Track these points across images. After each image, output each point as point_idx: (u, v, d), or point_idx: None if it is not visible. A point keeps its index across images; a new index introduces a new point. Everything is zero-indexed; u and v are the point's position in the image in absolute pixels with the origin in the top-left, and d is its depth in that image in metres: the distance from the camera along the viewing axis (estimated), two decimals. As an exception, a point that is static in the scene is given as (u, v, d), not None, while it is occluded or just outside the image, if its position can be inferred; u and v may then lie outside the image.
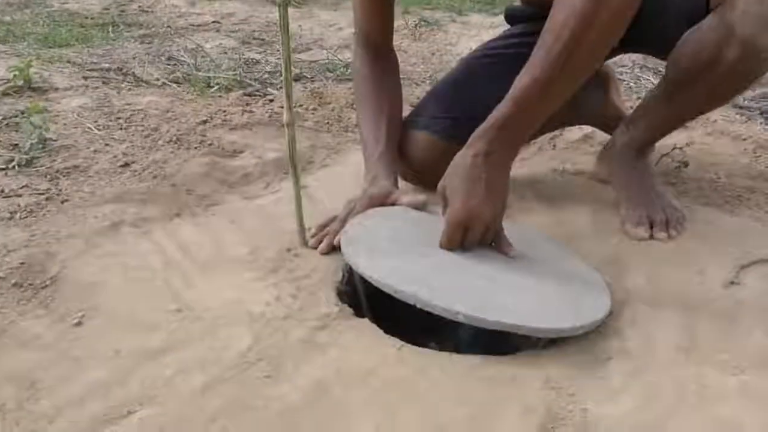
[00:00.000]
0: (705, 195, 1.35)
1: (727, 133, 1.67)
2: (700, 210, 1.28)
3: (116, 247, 1.11)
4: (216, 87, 1.99)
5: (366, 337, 0.90)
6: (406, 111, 1.37)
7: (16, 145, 1.48)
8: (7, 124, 1.60)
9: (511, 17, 1.43)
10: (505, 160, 1.00)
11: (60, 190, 1.30)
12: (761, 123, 1.79)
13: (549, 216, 1.27)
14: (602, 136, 1.55)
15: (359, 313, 0.97)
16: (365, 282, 0.96)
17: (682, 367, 0.85)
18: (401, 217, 1.11)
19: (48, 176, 1.35)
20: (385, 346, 0.88)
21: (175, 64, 2.26)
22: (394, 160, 1.25)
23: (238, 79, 2.06)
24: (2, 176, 1.34)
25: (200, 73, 2.11)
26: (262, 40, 2.75)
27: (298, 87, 2.03)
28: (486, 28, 3.00)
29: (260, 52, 2.49)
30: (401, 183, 1.27)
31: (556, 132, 1.64)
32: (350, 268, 1.03)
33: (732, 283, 1.03)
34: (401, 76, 1.39)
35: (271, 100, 1.88)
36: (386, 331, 0.91)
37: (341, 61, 2.37)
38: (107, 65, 2.20)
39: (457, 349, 0.89)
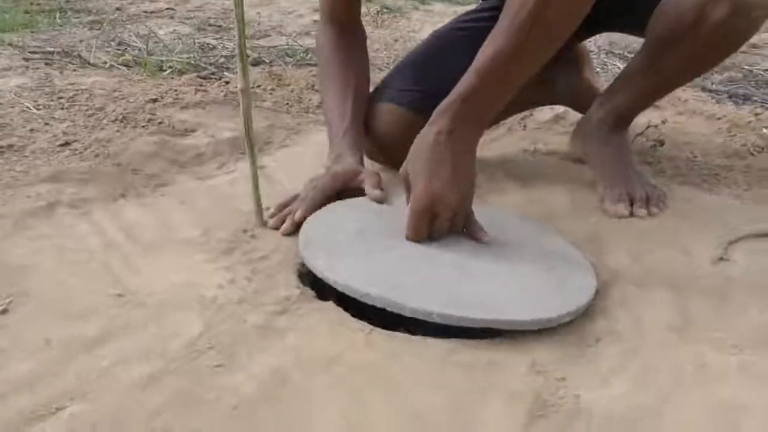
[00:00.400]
0: (682, 174, 1.30)
1: (700, 113, 1.63)
2: (677, 189, 1.23)
3: (50, 229, 1.00)
4: (169, 70, 1.87)
5: (330, 322, 0.81)
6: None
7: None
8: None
9: (484, -9, 1.36)
10: (470, 137, 0.92)
11: (-11, 171, 1.17)
12: (731, 106, 1.76)
13: (522, 195, 1.20)
14: (574, 117, 1.49)
15: (323, 296, 0.88)
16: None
17: (677, 348, 0.78)
18: (364, 207, 1.03)
19: (-24, 157, 1.22)
20: (351, 330, 0.79)
21: (125, 49, 2.13)
22: (360, 137, 1.17)
23: (193, 62, 1.95)
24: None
25: (152, 57, 1.98)
26: (219, 26, 2.63)
27: (256, 71, 1.92)
28: (449, 16, 2.92)
29: (216, 38, 2.38)
30: (367, 162, 1.19)
31: (527, 112, 1.58)
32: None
33: (721, 259, 0.97)
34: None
35: (227, 82, 1.77)
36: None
37: (301, 46, 2.28)
38: (51, 48, 2.05)
39: (429, 334, 0.80)
